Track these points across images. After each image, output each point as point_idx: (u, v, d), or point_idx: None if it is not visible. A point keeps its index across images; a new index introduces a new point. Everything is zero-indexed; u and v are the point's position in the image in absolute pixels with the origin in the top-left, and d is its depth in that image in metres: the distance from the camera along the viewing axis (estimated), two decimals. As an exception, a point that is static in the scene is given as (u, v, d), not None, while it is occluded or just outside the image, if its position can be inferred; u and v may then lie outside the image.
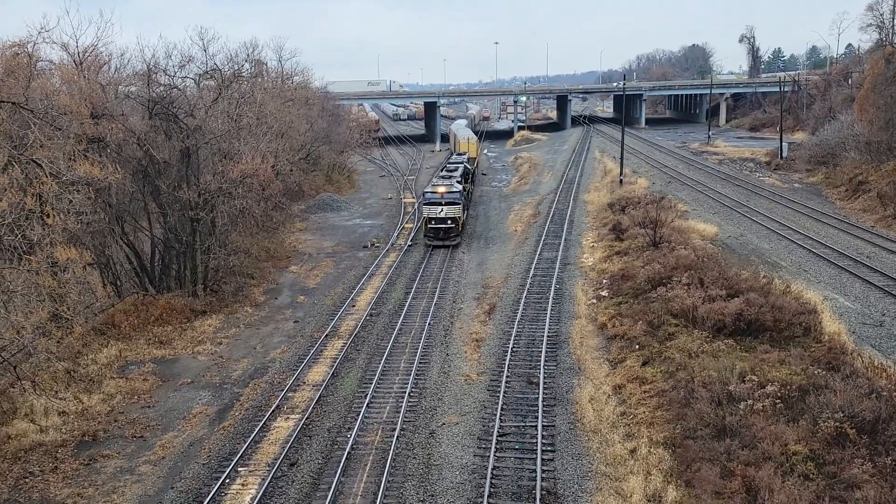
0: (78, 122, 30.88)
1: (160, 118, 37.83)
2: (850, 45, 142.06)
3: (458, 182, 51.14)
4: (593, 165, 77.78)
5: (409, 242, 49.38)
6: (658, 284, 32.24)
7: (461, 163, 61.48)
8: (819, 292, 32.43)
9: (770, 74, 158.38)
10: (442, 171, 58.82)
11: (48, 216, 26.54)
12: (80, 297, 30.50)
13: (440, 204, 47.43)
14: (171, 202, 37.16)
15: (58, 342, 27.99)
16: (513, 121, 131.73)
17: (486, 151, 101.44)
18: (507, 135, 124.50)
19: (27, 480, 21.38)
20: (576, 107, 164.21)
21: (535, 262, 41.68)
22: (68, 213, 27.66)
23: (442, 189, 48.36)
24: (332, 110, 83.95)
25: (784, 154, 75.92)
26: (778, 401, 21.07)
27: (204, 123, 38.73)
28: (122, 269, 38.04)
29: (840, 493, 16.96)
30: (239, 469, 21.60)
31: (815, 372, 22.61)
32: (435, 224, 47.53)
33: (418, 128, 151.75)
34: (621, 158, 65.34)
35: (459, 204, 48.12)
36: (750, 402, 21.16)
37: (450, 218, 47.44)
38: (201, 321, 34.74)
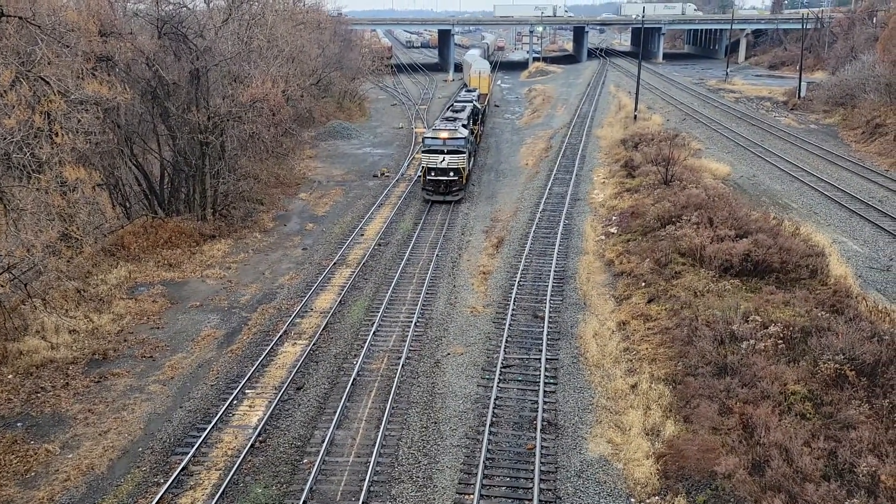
0: (86, 39, 30.40)
1: (169, 38, 37.20)
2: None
3: (463, 126, 44.35)
4: (608, 100, 76.57)
5: (419, 173, 49.09)
6: (667, 223, 32.13)
7: (469, 101, 54.55)
8: (828, 235, 32.30)
9: (793, 11, 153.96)
10: (447, 110, 52.14)
11: (57, 135, 26.43)
12: (89, 218, 30.59)
13: (441, 152, 41.01)
14: (181, 125, 36.90)
15: (68, 262, 28.26)
16: (528, 52, 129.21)
17: (499, 82, 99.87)
18: (521, 66, 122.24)
19: (39, 395, 21.92)
20: (593, 39, 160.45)
21: (545, 197, 41.50)
22: (77, 132, 27.53)
23: (444, 134, 41.71)
24: (344, 35, 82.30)
25: (802, 94, 74.49)
26: (780, 341, 21.23)
27: (213, 45, 38.09)
28: (131, 190, 38.08)
29: (835, 432, 17.23)
30: (246, 391, 22.07)
31: (819, 314, 22.70)
32: (435, 176, 41.32)
33: (432, 56, 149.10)
34: (636, 94, 64.26)
35: (464, 152, 41.81)
36: (752, 341, 21.32)
37: (452, 169, 41.19)
38: (210, 245, 34.94)
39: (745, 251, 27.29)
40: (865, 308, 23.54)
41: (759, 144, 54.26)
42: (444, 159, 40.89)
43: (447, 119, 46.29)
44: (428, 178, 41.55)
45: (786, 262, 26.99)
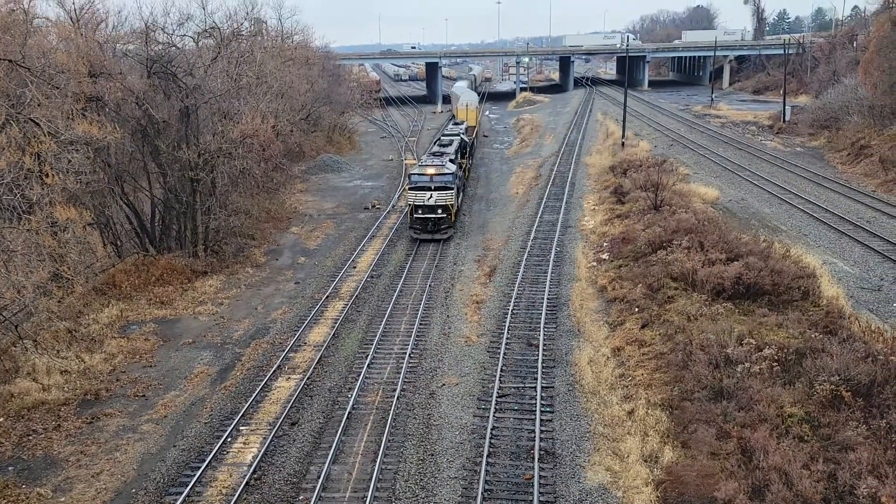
0: (76, 80, 30.58)
1: (159, 77, 37.46)
2: (856, 6, 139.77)
3: (451, 161, 42.88)
4: (595, 128, 77.25)
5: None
6: (658, 248, 32.26)
7: (457, 134, 52.87)
8: (818, 256, 32.47)
9: (775, 37, 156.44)
10: (434, 144, 50.16)
11: (47, 176, 26.44)
12: (80, 257, 30.49)
13: (429, 188, 39.43)
14: (171, 162, 36.99)
15: (59, 302, 28.07)
16: (515, 82, 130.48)
17: (487, 113, 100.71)
18: (509, 96, 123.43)
19: (30, 438, 21.65)
20: (578, 68, 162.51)
21: (535, 225, 41.64)
22: (67, 172, 27.54)
23: (431, 170, 40.15)
24: (332, 70, 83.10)
25: (787, 117, 75.37)
26: (775, 364, 21.23)
27: (203, 83, 38.37)
28: (122, 229, 38.03)
29: (834, 454, 17.17)
30: (241, 428, 21.86)
31: (813, 335, 22.74)
32: (422, 213, 39.55)
33: (420, 89, 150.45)
34: (623, 121, 64.88)
35: (452, 188, 40.13)
36: (747, 364, 21.31)
37: (440, 206, 39.48)
38: (202, 282, 34.83)
39: (736, 274, 27.40)
40: (858, 328, 23.61)
41: (747, 168, 54.73)
42: (431, 196, 39.41)
43: (434, 154, 44.74)
44: (415, 215, 39.85)
45: (777, 284, 27.09)
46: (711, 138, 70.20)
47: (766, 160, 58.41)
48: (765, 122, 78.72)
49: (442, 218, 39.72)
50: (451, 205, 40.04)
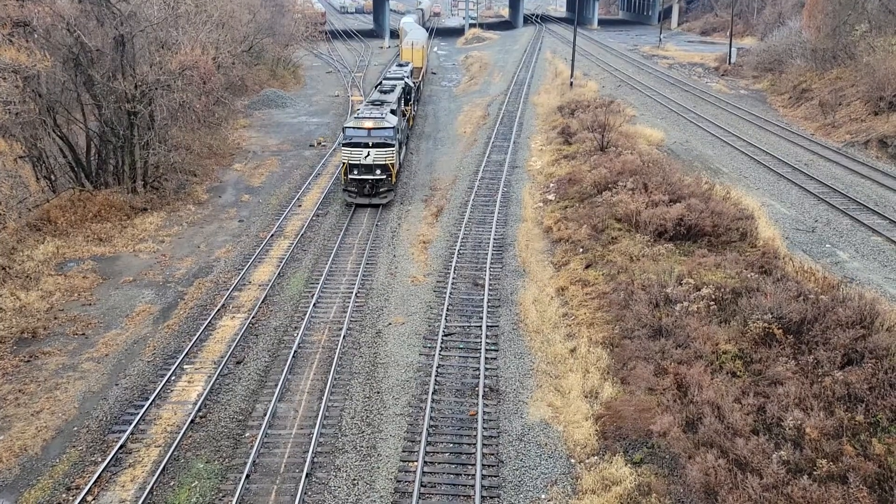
0: (1, 3, 28.87)
1: (91, 2, 35.56)
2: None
3: (392, 112, 37.07)
4: (544, 67, 76.81)
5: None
6: (604, 189, 32.63)
7: (400, 78, 47.20)
8: (757, 198, 33.32)
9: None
10: (373, 90, 43.72)
11: (-27, 106, 25.17)
12: (11, 192, 29.36)
13: (366, 145, 34.18)
14: (106, 94, 35.50)
15: (-9, 238, 27.15)
16: (464, 18, 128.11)
17: (436, 49, 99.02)
18: (458, 32, 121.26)
19: (-34, 377, 21.11)
20: (528, 5, 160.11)
21: (483, 165, 41.59)
22: (-5, 102, 26.26)
23: (369, 123, 34.71)
24: (276, 0, 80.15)
25: (732, 60, 76.12)
26: (712, 303, 21.91)
27: (139, 9, 36.61)
28: (55, 163, 36.53)
29: (764, 388, 17.94)
30: (185, 366, 21.69)
31: (749, 275, 23.48)
32: (358, 174, 34.47)
33: (367, 22, 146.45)
34: (572, 61, 64.62)
35: (393, 145, 34.86)
36: (686, 303, 21.95)
37: (379, 166, 34.40)
38: (142, 219, 33.94)
39: (678, 216, 27.96)
40: (792, 268, 24.44)
41: (692, 110, 55.37)
42: (368, 154, 34.21)
43: (373, 103, 38.67)
44: (350, 176, 34.66)
45: (717, 226, 27.78)
46: (658, 79, 70.59)
47: (710, 102, 59.14)
48: (711, 64, 79.39)
49: (381, 179, 34.75)
50: (392, 164, 34.90)
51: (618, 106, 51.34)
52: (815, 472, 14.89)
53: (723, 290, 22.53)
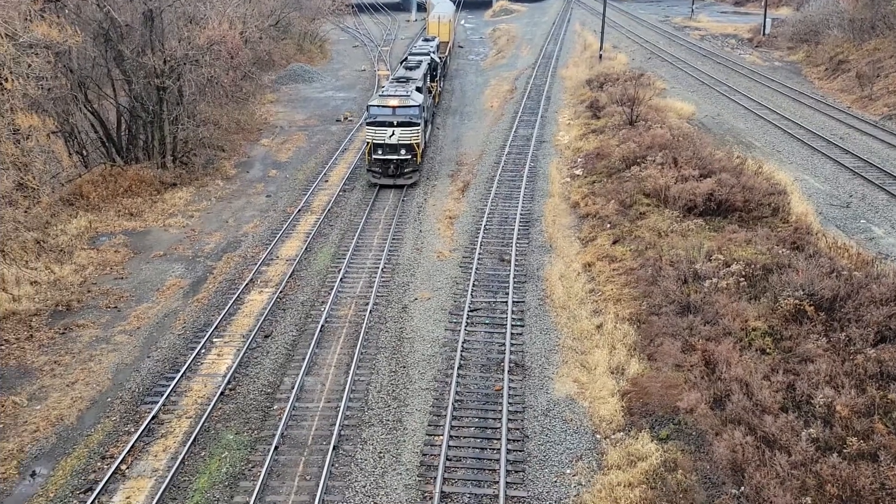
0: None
1: (120, -23, 35.71)
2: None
3: (417, 89, 36.27)
4: (573, 39, 75.81)
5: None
6: (632, 163, 32.26)
7: (426, 54, 45.79)
8: (790, 173, 32.73)
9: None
10: (399, 66, 42.92)
11: (6, 80, 25.50)
12: (45, 167, 29.82)
13: (390, 125, 33.22)
14: (136, 69, 35.74)
15: (25, 212, 27.64)
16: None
17: (463, 22, 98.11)
18: (485, 5, 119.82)
19: (3, 348, 21.62)
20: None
21: (510, 140, 41.30)
22: (27, 77, 26.58)
23: (394, 101, 33.80)
24: (303, -26, 79.77)
25: (767, 30, 74.43)
26: (742, 279, 21.65)
27: (167, -16, 36.70)
28: (87, 138, 36.97)
29: (794, 366, 17.73)
30: (214, 340, 21.99)
31: (780, 251, 23.14)
32: (382, 154, 33.60)
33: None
34: (602, 32, 63.67)
35: (418, 124, 33.81)
36: (715, 280, 21.71)
37: (404, 145, 33.43)
38: (171, 193, 34.29)
39: (708, 191, 27.57)
40: (825, 244, 24.04)
41: (724, 83, 54.36)
42: (393, 133, 33.24)
43: (398, 81, 37.79)
44: (374, 156, 33.73)
45: (748, 201, 27.36)
46: (690, 51, 69.34)
47: (743, 74, 57.99)
48: (745, 36, 77.76)
49: (406, 160, 33.76)
50: (417, 143, 33.99)
51: (648, 79, 50.59)
52: (844, 450, 14.72)
53: (753, 266, 22.24)
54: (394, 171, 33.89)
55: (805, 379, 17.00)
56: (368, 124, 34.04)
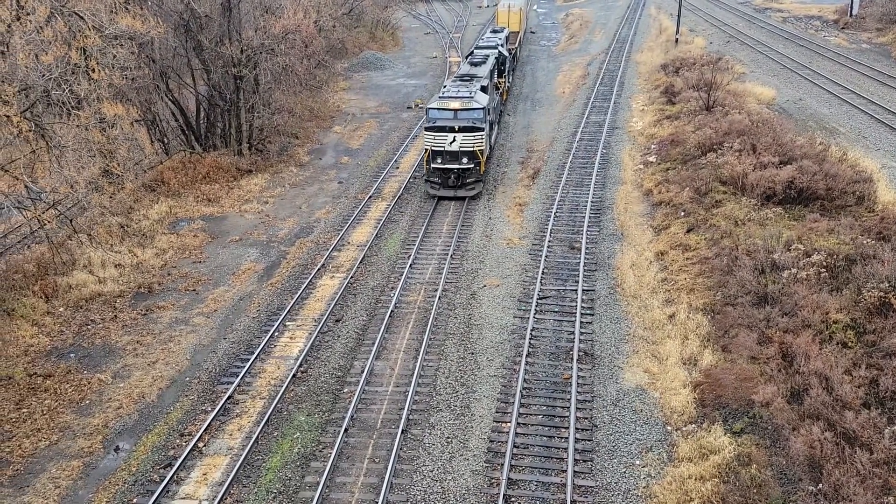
0: (116, -27, 30.10)
1: (199, -30, 36.68)
2: None
3: (482, 88, 32.70)
4: (648, 23, 74.08)
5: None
6: (708, 150, 31.40)
7: (493, 47, 42.17)
8: (877, 160, 31.25)
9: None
10: (464, 62, 39.52)
11: (93, 71, 26.48)
12: (129, 154, 30.88)
13: (451, 130, 29.92)
14: (214, 58, 36.73)
15: (110, 197, 28.74)
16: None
17: (535, 7, 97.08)
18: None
19: (89, 327, 22.66)
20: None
21: (581, 126, 40.74)
22: (113, 68, 27.55)
23: (455, 104, 30.38)
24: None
25: (854, 11, 71.05)
26: (823, 270, 20.85)
27: (244, -25, 37.54)
28: (168, 126, 38.31)
29: (878, 360, 17.02)
30: (287, 323, 22.52)
31: (864, 242, 22.17)
32: (442, 162, 30.31)
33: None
34: (678, 15, 61.97)
35: (482, 129, 30.23)
36: (794, 270, 20.98)
37: (466, 153, 30.06)
38: (247, 180, 35.19)
39: (788, 178, 26.61)
40: (913, 235, 22.89)
41: (807, 66, 52.21)
42: (454, 140, 29.99)
43: (462, 79, 34.03)
44: (432, 165, 30.61)
45: (831, 189, 26.29)
46: (771, 34, 66.84)
47: (828, 58, 55.56)
48: (830, 17, 74.42)
49: (468, 169, 30.52)
50: (481, 150, 30.42)
51: (726, 63, 48.99)
52: (931, 451, 14.10)
53: (835, 256, 21.39)
54: (454, 181, 30.82)
55: (890, 374, 16.30)
56: (427, 129, 30.70)
